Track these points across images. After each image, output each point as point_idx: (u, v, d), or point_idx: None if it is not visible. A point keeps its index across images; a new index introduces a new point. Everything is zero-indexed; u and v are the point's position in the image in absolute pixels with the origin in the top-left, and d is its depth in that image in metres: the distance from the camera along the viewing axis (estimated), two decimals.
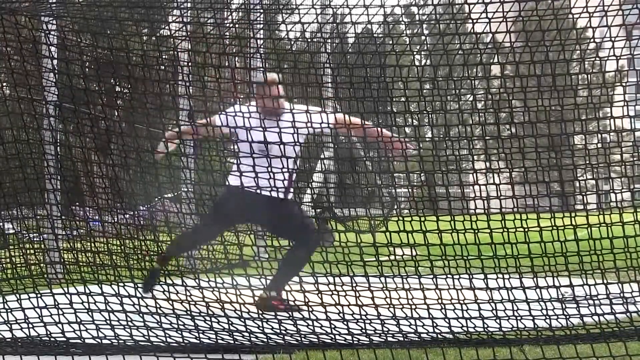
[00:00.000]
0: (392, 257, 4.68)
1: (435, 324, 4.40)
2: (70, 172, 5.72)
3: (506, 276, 4.47)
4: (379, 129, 6.01)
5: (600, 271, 4.51)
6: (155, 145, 5.72)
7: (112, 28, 5.04)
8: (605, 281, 4.48)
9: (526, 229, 4.58)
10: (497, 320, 4.40)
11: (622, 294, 4.53)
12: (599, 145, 4.95)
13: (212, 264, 6.23)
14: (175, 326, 4.50)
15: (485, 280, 4.44)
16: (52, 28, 5.53)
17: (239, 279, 4.59)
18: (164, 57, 5.14)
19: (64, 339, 4.50)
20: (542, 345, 4.11)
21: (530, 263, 4.43)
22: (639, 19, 4.53)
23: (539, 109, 4.83)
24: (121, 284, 4.60)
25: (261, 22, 5.21)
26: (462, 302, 4.46)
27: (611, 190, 4.79)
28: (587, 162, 4.78)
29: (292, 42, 5.00)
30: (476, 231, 4.56)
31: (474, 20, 4.41)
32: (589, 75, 4.92)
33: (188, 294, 4.56)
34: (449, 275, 4.49)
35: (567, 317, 4.47)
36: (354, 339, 4.50)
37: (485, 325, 4.39)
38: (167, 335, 4.48)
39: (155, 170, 5.39)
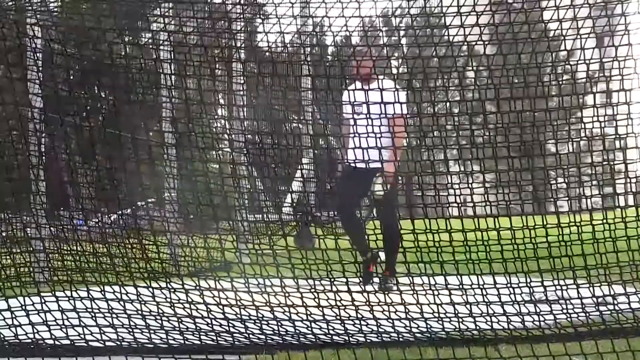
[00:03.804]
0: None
1: (417, 325, 4.51)
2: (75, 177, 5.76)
3: (511, 276, 4.58)
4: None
5: (604, 271, 4.62)
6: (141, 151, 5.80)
7: (95, 37, 5.11)
8: (608, 280, 4.60)
9: (531, 228, 4.68)
10: (502, 319, 4.50)
11: (626, 294, 4.63)
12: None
13: (195, 266, 6.30)
14: (159, 327, 4.58)
15: (492, 277, 4.55)
16: (38, 34, 5.59)
17: (223, 280, 4.67)
18: (147, 64, 5.22)
19: (68, 341, 4.57)
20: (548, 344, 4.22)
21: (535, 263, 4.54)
22: (607, 25, 4.65)
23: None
24: (116, 287, 4.66)
25: (243, 31, 5.31)
26: (455, 303, 4.56)
27: (614, 192, 4.91)
28: (591, 162, 4.88)
29: (273, 50, 5.10)
30: (478, 231, 4.66)
31: (448, 26, 4.53)
32: (594, 78, 5.02)
33: (171, 294, 4.63)
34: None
35: (569, 315, 4.58)
36: (334, 338, 4.59)
37: (488, 325, 4.51)
38: (150, 333, 4.56)
39: (141, 174, 5.46)
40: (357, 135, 5.07)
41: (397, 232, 6.91)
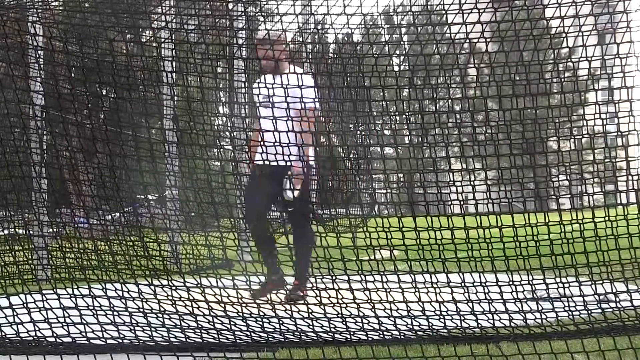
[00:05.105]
0: (373, 257, 4.78)
1: (418, 322, 4.52)
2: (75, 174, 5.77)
3: (515, 274, 4.60)
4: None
5: (606, 268, 4.63)
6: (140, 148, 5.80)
7: (95, 34, 5.12)
8: (610, 278, 4.62)
9: (533, 226, 4.70)
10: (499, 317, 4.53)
11: (627, 291, 4.64)
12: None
13: (197, 264, 6.30)
14: (161, 325, 4.59)
15: (494, 275, 4.57)
16: (39, 32, 5.60)
17: (224, 278, 4.69)
18: (149, 61, 5.23)
19: (69, 339, 4.59)
20: (550, 340, 4.23)
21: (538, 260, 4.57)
22: (608, 22, 4.66)
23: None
24: (117, 284, 4.68)
25: (244, 29, 5.32)
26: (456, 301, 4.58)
27: (616, 190, 4.92)
28: (593, 159, 4.88)
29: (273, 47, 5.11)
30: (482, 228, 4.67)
31: (450, 23, 4.54)
32: (596, 75, 5.02)
33: (173, 292, 4.65)
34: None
35: (571, 312, 4.60)
36: (335, 337, 4.61)
37: (490, 323, 4.52)
38: (152, 331, 4.57)
39: (143, 170, 5.48)
40: (264, 132, 4.92)
41: (308, 238, 6.76)
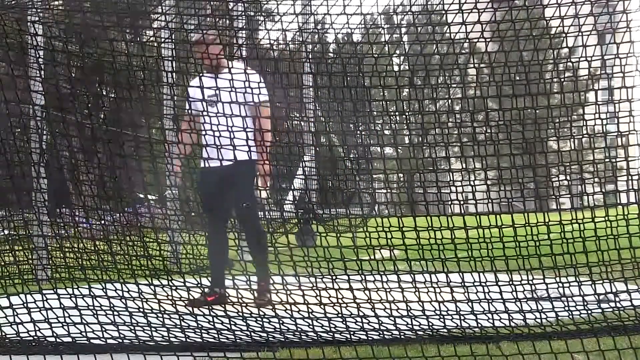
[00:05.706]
0: (373, 257, 4.79)
1: (418, 322, 4.53)
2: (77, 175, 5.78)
3: (515, 274, 4.61)
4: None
5: (605, 268, 4.64)
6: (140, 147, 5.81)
7: (96, 34, 5.13)
8: (610, 277, 4.63)
9: (533, 226, 4.70)
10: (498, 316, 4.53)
11: (627, 291, 4.65)
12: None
13: (196, 264, 6.31)
14: (161, 325, 4.59)
15: (494, 275, 4.57)
16: (39, 32, 5.61)
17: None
18: (149, 61, 5.23)
19: (69, 339, 4.59)
20: (550, 340, 4.24)
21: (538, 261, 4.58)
22: (608, 22, 4.67)
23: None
24: (117, 284, 4.68)
25: (244, 28, 5.32)
26: (456, 300, 4.59)
27: (616, 190, 4.93)
28: (593, 159, 4.89)
29: (274, 47, 5.10)
30: (481, 228, 4.68)
31: (450, 23, 4.55)
32: (596, 75, 5.02)
33: (173, 292, 4.65)
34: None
35: (571, 312, 4.61)
36: (335, 336, 4.61)
37: (490, 322, 4.53)
38: (152, 331, 4.57)
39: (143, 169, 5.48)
40: (213, 131, 4.88)
41: (261, 233, 6.62)
